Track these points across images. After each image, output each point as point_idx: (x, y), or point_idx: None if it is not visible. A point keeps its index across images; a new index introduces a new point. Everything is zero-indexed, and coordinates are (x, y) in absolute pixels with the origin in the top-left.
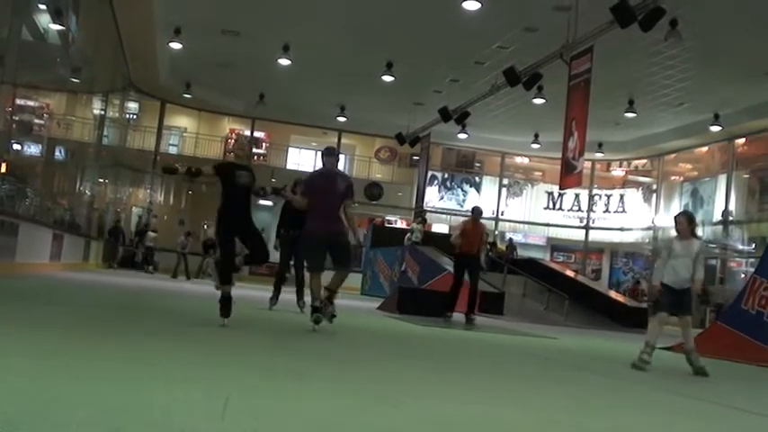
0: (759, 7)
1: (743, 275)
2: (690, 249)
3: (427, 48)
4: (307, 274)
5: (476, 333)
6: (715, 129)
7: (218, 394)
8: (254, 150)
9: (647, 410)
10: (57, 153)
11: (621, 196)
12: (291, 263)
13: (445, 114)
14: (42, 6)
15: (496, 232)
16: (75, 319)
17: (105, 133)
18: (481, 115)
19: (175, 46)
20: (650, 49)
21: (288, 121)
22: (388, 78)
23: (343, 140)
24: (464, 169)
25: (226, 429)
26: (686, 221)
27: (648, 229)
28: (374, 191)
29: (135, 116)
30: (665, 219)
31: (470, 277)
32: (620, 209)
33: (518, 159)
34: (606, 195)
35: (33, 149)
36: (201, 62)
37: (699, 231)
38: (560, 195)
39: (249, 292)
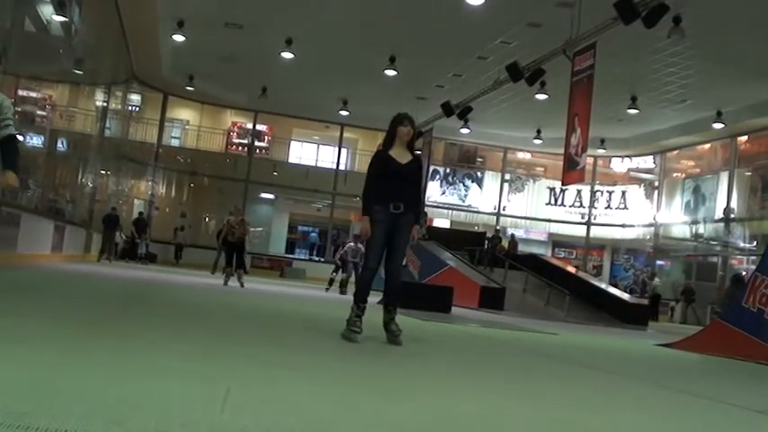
0: (762, 5)
1: (744, 273)
2: None
3: (430, 42)
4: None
5: (476, 328)
6: (717, 126)
7: (218, 387)
8: (257, 143)
9: (649, 408)
10: (59, 144)
11: (623, 193)
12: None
13: (448, 109)
14: None
15: (498, 227)
16: (75, 310)
17: (108, 125)
18: (483, 110)
19: (178, 38)
20: (653, 45)
21: (290, 114)
22: (390, 72)
23: (345, 134)
24: (466, 164)
25: (225, 422)
26: None
27: (650, 225)
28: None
29: (137, 108)
30: (667, 215)
31: None
32: (622, 205)
33: (520, 155)
34: (608, 192)
35: (36, 141)
36: (204, 55)
37: (701, 228)
38: (562, 191)
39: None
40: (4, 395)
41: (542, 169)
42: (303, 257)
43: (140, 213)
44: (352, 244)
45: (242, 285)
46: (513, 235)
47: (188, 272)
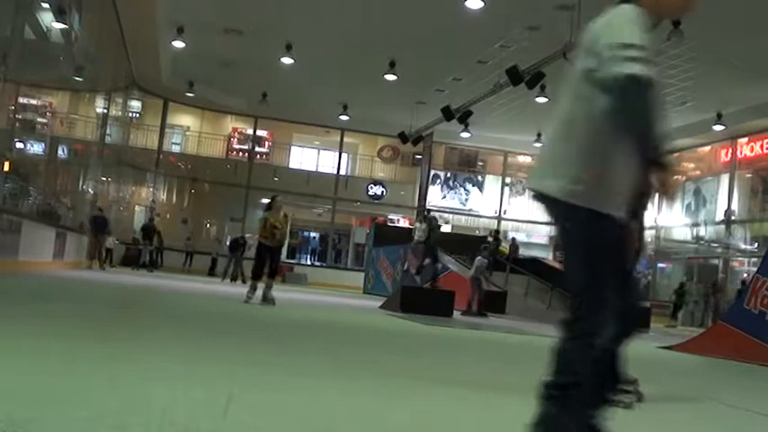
0: (762, 6)
1: (745, 275)
2: None
3: (430, 47)
4: None
5: (478, 332)
6: (718, 128)
7: (220, 392)
8: (257, 149)
9: (651, 410)
10: (60, 152)
11: None
12: None
13: (448, 113)
14: (45, 5)
15: (498, 230)
16: (77, 317)
17: (108, 132)
18: (484, 114)
19: (178, 45)
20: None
21: (290, 119)
22: (390, 77)
23: (345, 139)
24: (467, 168)
25: (228, 427)
26: None
27: (651, 228)
28: (377, 190)
29: (138, 115)
30: (668, 218)
31: None
32: None
33: (521, 158)
34: None
35: (36, 148)
36: (204, 61)
37: (702, 231)
38: None
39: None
40: (8, 402)
41: None
42: (305, 263)
43: (150, 220)
44: (481, 257)
45: (271, 301)
46: (513, 239)
47: (190, 279)
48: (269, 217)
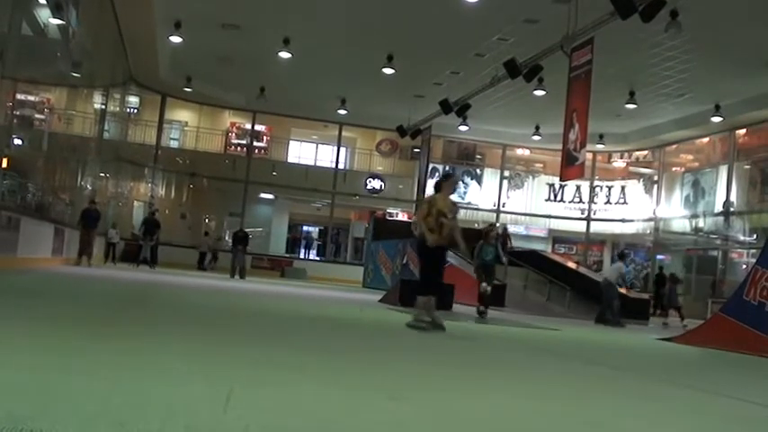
0: None
1: (744, 266)
2: None
3: (427, 40)
4: None
5: (478, 326)
6: (716, 119)
7: (221, 388)
8: (255, 144)
9: (650, 402)
10: (58, 147)
11: (623, 187)
12: None
13: (446, 107)
14: (42, 1)
15: (498, 224)
16: (77, 313)
17: (106, 128)
18: (482, 107)
19: (176, 40)
20: (651, 40)
21: (288, 114)
22: (388, 71)
23: (344, 133)
24: (465, 161)
25: (228, 423)
26: None
27: (650, 220)
28: (375, 184)
29: (135, 110)
30: (667, 210)
31: None
32: (622, 200)
33: (519, 151)
34: (607, 187)
35: (34, 144)
36: (202, 56)
37: (701, 222)
38: (561, 187)
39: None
40: (8, 399)
41: (541, 165)
42: (307, 257)
43: (152, 213)
44: (623, 263)
45: (440, 327)
46: (505, 227)
47: (192, 275)
48: (437, 200)
